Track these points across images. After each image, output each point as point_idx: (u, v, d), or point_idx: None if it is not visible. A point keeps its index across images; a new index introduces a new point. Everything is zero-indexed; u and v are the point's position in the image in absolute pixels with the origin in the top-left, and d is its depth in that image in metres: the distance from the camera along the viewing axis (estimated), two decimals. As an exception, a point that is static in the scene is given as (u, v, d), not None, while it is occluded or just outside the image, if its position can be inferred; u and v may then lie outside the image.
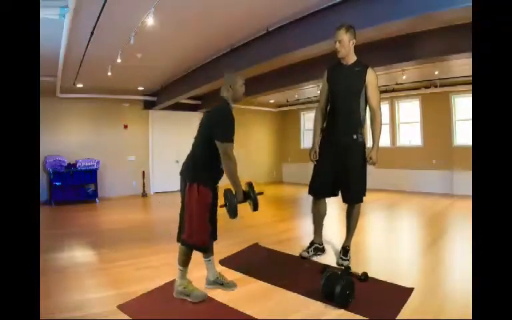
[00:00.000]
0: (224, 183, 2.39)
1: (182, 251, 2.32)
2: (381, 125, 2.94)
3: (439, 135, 7.77)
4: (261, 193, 2.45)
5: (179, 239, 2.35)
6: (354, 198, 2.97)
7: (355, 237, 4.21)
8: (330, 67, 3.04)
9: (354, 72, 2.85)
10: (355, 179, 2.92)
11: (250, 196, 2.40)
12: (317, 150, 3.02)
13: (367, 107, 2.93)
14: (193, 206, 2.25)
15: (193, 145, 2.41)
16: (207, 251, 2.46)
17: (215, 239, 2.48)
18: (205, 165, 2.31)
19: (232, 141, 2.27)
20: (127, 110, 8.56)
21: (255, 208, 2.41)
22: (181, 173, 2.39)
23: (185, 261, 2.34)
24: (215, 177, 2.37)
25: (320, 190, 3.09)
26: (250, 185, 2.43)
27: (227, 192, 2.37)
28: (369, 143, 3.07)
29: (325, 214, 3.23)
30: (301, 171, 10.79)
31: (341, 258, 3.00)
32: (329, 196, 3.10)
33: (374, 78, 2.86)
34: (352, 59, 2.88)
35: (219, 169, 2.34)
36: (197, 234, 2.26)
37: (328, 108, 3.03)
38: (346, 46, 2.80)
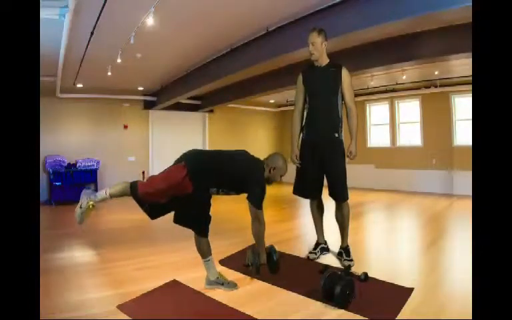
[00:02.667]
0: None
1: (198, 242, 2.36)
2: (357, 120, 3.05)
3: (439, 135, 7.77)
4: (280, 256, 2.67)
5: (133, 188, 2.30)
6: (341, 195, 3.06)
7: (355, 237, 4.21)
8: (304, 70, 3.15)
9: (330, 72, 2.96)
10: (341, 176, 3.01)
11: (272, 259, 2.59)
12: (298, 153, 3.09)
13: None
14: (170, 180, 2.25)
15: (216, 163, 2.42)
16: (147, 212, 2.39)
17: (203, 235, 2.44)
18: (209, 182, 2.35)
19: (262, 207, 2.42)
20: (127, 110, 8.56)
21: (275, 271, 2.60)
22: (185, 156, 2.39)
23: (206, 251, 2.39)
24: (203, 187, 2.36)
25: (308, 191, 3.18)
26: (272, 247, 2.63)
27: (251, 252, 2.51)
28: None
29: (321, 213, 3.29)
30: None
31: (346, 259, 3.01)
32: (317, 196, 3.19)
33: (348, 77, 2.99)
34: (325, 60, 3.00)
35: (210, 188, 2.39)
36: (153, 194, 2.26)
37: (306, 110, 3.12)
38: (319, 48, 2.93)
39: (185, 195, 2.28)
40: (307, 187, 3.14)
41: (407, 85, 7.76)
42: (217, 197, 2.46)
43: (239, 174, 2.40)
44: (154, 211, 2.38)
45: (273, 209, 6.28)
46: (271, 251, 2.61)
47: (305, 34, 3.89)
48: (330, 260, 3.05)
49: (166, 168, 2.38)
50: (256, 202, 2.39)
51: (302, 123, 3.14)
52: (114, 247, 3.77)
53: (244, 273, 2.75)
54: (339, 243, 3.22)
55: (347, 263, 2.96)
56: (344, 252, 3.09)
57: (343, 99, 3.00)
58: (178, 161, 2.36)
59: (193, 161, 2.35)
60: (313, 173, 3.04)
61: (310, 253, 3.20)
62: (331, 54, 5.34)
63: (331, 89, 2.95)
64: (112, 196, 2.29)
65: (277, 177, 2.59)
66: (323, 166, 2.99)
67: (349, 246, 3.12)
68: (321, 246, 3.25)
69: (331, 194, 3.08)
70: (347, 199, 3.09)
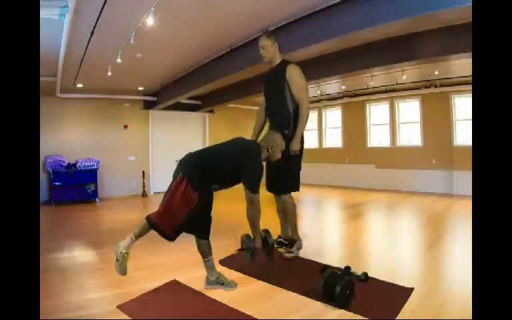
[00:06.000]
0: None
1: (142, 226, 2.35)
2: (306, 116, 3.05)
3: (439, 135, 7.78)
4: (275, 241, 2.71)
5: (148, 219, 2.35)
6: (278, 188, 3.15)
7: (355, 237, 4.21)
8: (265, 72, 3.27)
9: (277, 71, 3.07)
10: (282, 171, 3.05)
11: (267, 243, 2.60)
12: None
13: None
14: (174, 197, 2.27)
15: (210, 158, 2.43)
16: (169, 239, 2.40)
17: (202, 237, 2.45)
18: (208, 179, 2.36)
19: (258, 191, 2.40)
20: (127, 110, 8.55)
21: (271, 255, 2.66)
22: (180, 163, 2.40)
23: (206, 251, 2.40)
24: (207, 189, 2.38)
25: (271, 187, 3.24)
26: (267, 232, 2.64)
27: (245, 238, 2.50)
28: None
29: (280, 209, 3.30)
30: (300, 171, 10.80)
31: (288, 252, 3.13)
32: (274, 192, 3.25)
33: (294, 73, 3.02)
34: (278, 60, 3.11)
35: (212, 186, 2.40)
36: (168, 224, 2.30)
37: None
38: (269, 50, 3.05)
39: (195, 203, 2.29)
40: (270, 182, 3.21)
41: (407, 84, 7.76)
42: (216, 197, 2.46)
43: (234, 162, 2.39)
44: (173, 234, 2.39)
45: (272, 209, 6.27)
46: (266, 235, 2.61)
47: (305, 34, 3.90)
48: (330, 260, 3.04)
49: (168, 187, 2.39)
50: (251, 186, 2.37)
51: (261, 123, 3.31)
52: (114, 247, 3.77)
53: (244, 273, 2.76)
54: (339, 244, 3.21)
55: (289, 255, 3.09)
56: (287, 241, 3.18)
57: (290, 92, 3.05)
58: (175, 175, 2.37)
59: (189, 167, 2.36)
60: (270, 169, 3.12)
61: (287, 251, 3.23)
62: (331, 54, 5.34)
63: (277, 88, 3.05)
64: (137, 237, 2.37)
65: (277, 153, 2.60)
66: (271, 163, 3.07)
67: (291, 238, 3.20)
68: (297, 243, 3.26)
69: (273, 189, 3.18)
70: (287, 192, 3.14)
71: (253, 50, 4.63)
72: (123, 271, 2.32)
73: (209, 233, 2.45)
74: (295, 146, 2.99)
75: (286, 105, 3.02)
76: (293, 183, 3.14)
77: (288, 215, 3.19)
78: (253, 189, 2.37)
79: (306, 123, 3.05)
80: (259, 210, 2.43)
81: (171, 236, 2.37)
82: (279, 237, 3.28)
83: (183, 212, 2.29)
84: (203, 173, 2.33)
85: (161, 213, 2.33)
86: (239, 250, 2.60)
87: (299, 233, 3.27)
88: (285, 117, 3.03)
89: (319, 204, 7.51)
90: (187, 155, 2.45)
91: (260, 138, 3.12)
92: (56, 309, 2.17)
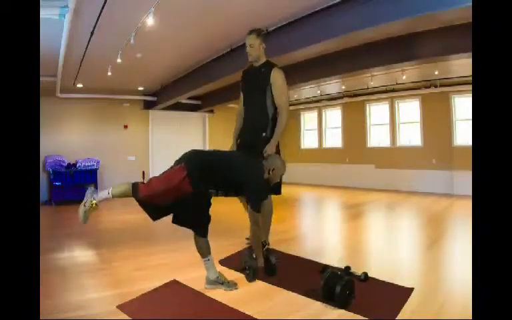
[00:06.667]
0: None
1: (126, 189, 2.31)
2: (285, 121, 2.97)
3: (439, 135, 7.78)
4: (278, 260, 2.71)
5: (135, 189, 2.31)
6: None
7: (355, 237, 4.21)
8: (244, 70, 3.21)
9: (260, 72, 3.02)
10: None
11: (270, 262, 2.63)
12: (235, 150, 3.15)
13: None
14: (170, 181, 2.25)
15: (214, 164, 2.40)
16: (149, 212, 2.38)
17: (202, 235, 2.44)
18: (209, 183, 2.34)
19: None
20: (127, 110, 8.56)
21: (273, 274, 2.64)
22: (185, 156, 2.38)
23: (205, 251, 2.39)
24: (203, 188, 2.36)
25: None
26: (270, 251, 2.68)
27: (248, 256, 2.55)
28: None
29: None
30: (300, 171, 10.81)
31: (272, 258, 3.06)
32: None
33: (278, 77, 2.97)
34: (262, 60, 3.07)
35: (210, 190, 2.40)
36: (151, 195, 2.26)
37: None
38: (257, 50, 3.01)
39: (185, 195, 2.27)
40: None
41: (407, 84, 7.76)
42: (216, 197, 2.46)
43: (238, 176, 2.39)
44: (155, 212, 2.37)
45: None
46: (268, 254, 2.63)
47: (305, 34, 3.90)
48: (330, 260, 3.04)
49: (166, 169, 2.37)
50: (256, 206, 2.40)
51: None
52: (114, 247, 3.77)
53: (244, 273, 2.75)
54: (339, 244, 3.21)
55: (274, 261, 3.02)
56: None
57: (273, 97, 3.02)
58: (177, 162, 2.35)
59: (193, 161, 2.34)
60: None
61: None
62: (331, 54, 5.34)
63: (259, 89, 3.00)
64: (114, 196, 2.31)
65: (277, 177, 2.59)
66: None
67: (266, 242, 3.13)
68: (266, 246, 3.24)
69: None
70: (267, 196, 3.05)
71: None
72: (85, 220, 2.27)
73: (207, 232, 2.45)
74: (270, 150, 2.91)
75: (266, 106, 2.98)
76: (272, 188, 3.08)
77: (267, 218, 3.13)
78: (257, 208, 2.40)
79: (284, 129, 2.99)
80: (260, 229, 2.45)
81: (151, 211, 2.32)
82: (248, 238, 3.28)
83: (171, 194, 2.25)
84: (203, 173, 2.32)
85: (148, 187, 2.28)
86: (241, 269, 2.63)
87: (300, 232, 3.26)
88: (264, 118, 2.99)
89: (318, 204, 7.51)
90: (193, 150, 2.43)
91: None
92: (56, 308, 2.17)
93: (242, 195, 2.47)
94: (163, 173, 2.35)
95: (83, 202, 2.27)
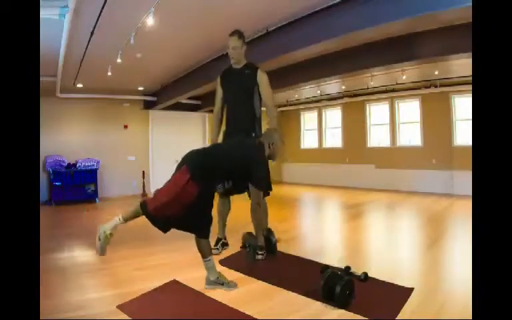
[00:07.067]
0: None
1: (134, 210, 2.30)
2: (276, 119, 3.10)
3: (439, 135, 7.78)
4: (277, 241, 2.78)
5: (143, 206, 2.30)
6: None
7: (355, 237, 4.21)
8: (222, 73, 3.22)
9: (245, 74, 3.06)
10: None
11: (270, 242, 2.66)
12: None
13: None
14: (175, 188, 2.23)
15: (215, 157, 2.42)
16: (162, 231, 2.37)
17: (202, 235, 2.42)
18: (212, 179, 2.35)
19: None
20: (127, 110, 8.56)
21: (273, 253, 2.71)
22: (185, 158, 2.37)
23: (206, 251, 2.39)
24: (209, 187, 2.36)
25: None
26: (270, 231, 2.68)
27: (248, 235, 2.57)
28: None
29: (227, 210, 3.31)
30: (301, 171, 10.81)
31: (257, 253, 3.08)
32: (230, 193, 3.18)
33: (264, 78, 3.06)
34: (243, 62, 3.10)
35: (215, 187, 2.43)
36: (164, 208, 2.24)
37: (225, 112, 3.22)
38: (239, 52, 3.03)
39: (192, 199, 2.24)
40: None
41: (407, 84, 7.75)
42: (216, 198, 2.46)
43: (241, 161, 2.38)
44: (165, 224, 2.35)
45: (272, 209, 6.26)
46: (268, 234, 2.65)
47: (305, 34, 3.90)
48: (330, 260, 3.04)
49: (170, 177, 2.35)
50: (260, 187, 2.42)
51: (220, 127, 3.27)
52: (114, 247, 3.74)
53: (244, 273, 2.76)
54: (339, 244, 3.22)
55: (260, 257, 3.06)
56: (258, 246, 3.16)
57: (261, 99, 3.09)
58: (179, 166, 2.33)
59: (194, 161, 2.33)
60: None
61: (212, 248, 3.23)
62: (331, 54, 5.34)
63: (245, 90, 3.04)
64: (126, 220, 2.31)
65: (277, 151, 2.57)
66: None
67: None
68: (221, 241, 3.30)
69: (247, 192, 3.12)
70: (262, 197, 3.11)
71: (252, 50, 4.63)
72: (102, 252, 2.27)
73: (209, 233, 2.45)
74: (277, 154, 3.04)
75: (254, 107, 3.04)
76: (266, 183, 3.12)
77: (263, 218, 3.19)
78: (261, 186, 2.41)
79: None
80: (265, 209, 2.45)
81: (161, 224, 2.31)
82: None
83: (179, 204, 2.23)
84: (206, 171, 2.32)
85: (155, 199, 2.28)
86: (241, 247, 2.61)
87: (300, 232, 3.26)
88: (252, 119, 3.04)
89: (319, 204, 7.51)
90: (192, 151, 2.42)
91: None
92: (56, 308, 2.17)
93: (247, 179, 2.45)
94: (167, 182, 2.33)
95: (97, 236, 2.27)
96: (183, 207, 2.26)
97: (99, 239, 2.25)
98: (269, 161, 2.84)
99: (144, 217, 2.30)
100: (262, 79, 3.05)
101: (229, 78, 3.16)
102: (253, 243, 2.50)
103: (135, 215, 2.31)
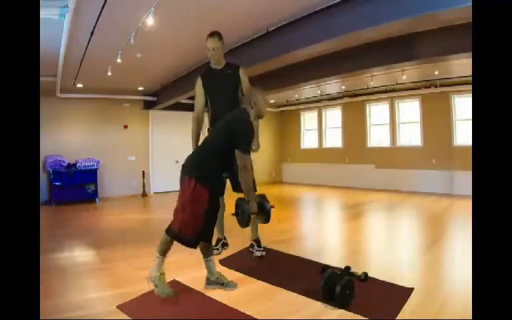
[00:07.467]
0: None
1: (164, 239, 2.32)
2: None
3: (439, 135, 7.77)
4: (272, 207, 2.59)
5: (168, 231, 2.33)
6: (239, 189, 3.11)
7: (355, 237, 4.21)
8: (202, 74, 3.23)
9: (227, 74, 3.12)
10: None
11: (264, 207, 2.52)
12: None
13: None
14: (187, 200, 2.24)
15: (207, 146, 2.43)
16: (193, 247, 2.38)
17: (207, 240, 2.44)
18: (215, 170, 2.34)
19: (250, 153, 2.40)
20: (127, 110, 8.56)
21: (267, 220, 2.56)
22: (183, 166, 2.37)
23: (164, 251, 2.34)
24: (216, 183, 2.37)
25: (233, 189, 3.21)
26: (263, 197, 2.57)
27: (240, 201, 2.43)
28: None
29: (222, 210, 3.28)
30: (301, 171, 10.81)
31: (258, 250, 3.20)
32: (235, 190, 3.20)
33: (246, 76, 3.16)
34: (223, 62, 3.14)
35: (222, 178, 2.41)
36: (189, 229, 2.25)
37: (209, 113, 3.25)
38: (220, 53, 3.06)
39: (206, 202, 2.25)
40: (234, 184, 3.13)
41: (407, 84, 7.75)
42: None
43: (229, 137, 2.35)
44: (194, 239, 2.34)
45: (273, 209, 6.25)
46: (262, 200, 2.54)
47: (305, 34, 3.90)
48: (330, 260, 3.04)
49: (179, 195, 2.35)
50: (242, 147, 2.31)
51: (200, 128, 3.30)
52: (114, 247, 3.77)
53: (244, 273, 2.76)
54: (339, 244, 3.21)
55: (259, 253, 3.16)
56: (255, 244, 3.24)
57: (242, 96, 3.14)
58: (181, 179, 2.33)
59: (191, 166, 2.34)
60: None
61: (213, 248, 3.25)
62: (331, 54, 5.33)
63: (231, 90, 3.09)
64: (163, 253, 2.34)
65: (261, 107, 2.52)
66: None
67: (259, 237, 3.27)
68: (221, 241, 3.37)
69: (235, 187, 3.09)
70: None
71: (252, 50, 4.64)
72: (167, 292, 2.31)
73: (212, 236, 2.46)
74: (257, 145, 3.10)
75: (239, 105, 3.04)
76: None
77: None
78: (244, 149, 2.31)
79: None
80: (252, 172, 2.38)
81: (192, 241, 2.32)
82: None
83: (198, 212, 2.24)
84: (207, 166, 2.31)
85: (178, 221, 2.28)
86: (232, 214, 2.53)
87: (300, 232, 3.26)
88: None
89: (319, 204, 7.51)
90: (186, 158, 2.42)
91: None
92: (56, 308, 2.17)
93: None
94: (178, 200, 2.34)
95: (153, 284, 2.31)
96: (202, 215, 2.26)
97: (156, 286, 2.30)
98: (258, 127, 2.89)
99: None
100: (244, 77, 3.13)
101: (212, 79, 3.17)
102: (245, 208, 2.39)
103: (167, 244, 2.33)
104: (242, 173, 2.34)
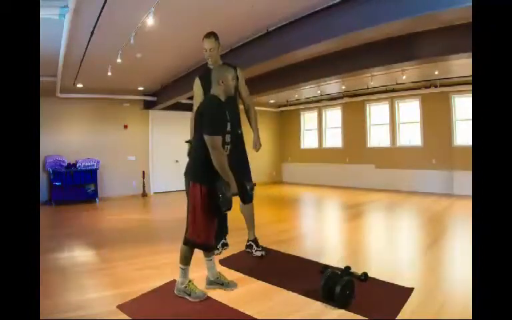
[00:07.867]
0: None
1: (183, 250, 2.33)
2: (254, 107, 3.30)
3: (439, 135, 7.77)
4: (254, 184, 2.50)
5: (186, 242, 2.34)
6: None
7: (355, 237, 4.22)
8: (201, 75, 3.24)
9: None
10: (245, 168, 3.12)
11: (245, 188, 2.47)
12: None
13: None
14: (197, 206, 2.25)
15: (194, 144, 2.45)
16: (213, 249, 2.47)
17: (222, 238, 2.44)
18: (202, 164, 2.29)
19: (218, 133, 2.24)
20: (127, 110, 8.56)
21: (250, 199, 2.55)
22: (185, 174, 2.39)
23: (186, 260, 2.35)
24: (213, 177, 2.36)
25: None
26: (246, 178, 2.57)
27: (220, 184, 2.27)
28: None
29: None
30: (301, 171, 10.81)
31: (257, 250, 3.22)
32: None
33: (242, 75, 3.21)
34: (219, 63, 3.13)
35: (214, 168, 2.33)
36: (203, 233, 2.28)
37: None
38: (216, 53, 3.08)
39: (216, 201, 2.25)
40: None
41: (407, 84, 7.76)
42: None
43: (200, 124, 2.31)
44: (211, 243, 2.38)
45: (272, 209, 6.28)
46: (242, 180, 2.49)
47: (305, 34, 3.90)
48: (330, 260, 3.05)
49: (188, 204, 2.35)
50: (206, 127, 2.22)
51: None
52: (114, 247, 3.77)
53: (244, 273, 2.76)
54: (339, 244, 3.22)
55: (259, 253, 3.17)
56: (253, 244, 3.26)
57: (239, 96, 3.25)
58: (187, 187, 2.35)
59: (194, 171, 2.34)
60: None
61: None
62: (331, 54, 5.34)
63: None
64: (186, 263, 2.34)
65: (230, 81, 2.42)
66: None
67: (257, 237, 3.29)
68: (221, 241, 3.35)
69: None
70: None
71: (252, 50, 4.64)
72: (201, 295, 2.32)
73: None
74: (259, 142, 3.20)
75: (237, 105, 3.15)
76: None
77: (251, 216, 3.28)
78: (208, 130, 2.21)
79: None
80: (223, 153, 2.28)
81: (213, 245, 2.36)
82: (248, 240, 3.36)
83: (209, 215, 2.27)
84: (197, 163, 2.32)
85: (194, 230, 2.28)
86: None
87: (300, 232, 3.26)
88: (237, 117, 3.14)
89: (319, 204, 7.51)
90: (186, 165, 2.43)
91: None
92: (56, 308, 2.17)
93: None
94: (187, 208, 2.34)
95: (187, 295, 2.32)
96: (213, 220, 2.30)
97: (189, 295, 2.31)
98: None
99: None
100: (241, 75, 3.16)
101: (209, 79, 3.14)
102: (224, 190, 2.21)
103: (187, 254, 2.33)
104: (213, 154, 2.23)
